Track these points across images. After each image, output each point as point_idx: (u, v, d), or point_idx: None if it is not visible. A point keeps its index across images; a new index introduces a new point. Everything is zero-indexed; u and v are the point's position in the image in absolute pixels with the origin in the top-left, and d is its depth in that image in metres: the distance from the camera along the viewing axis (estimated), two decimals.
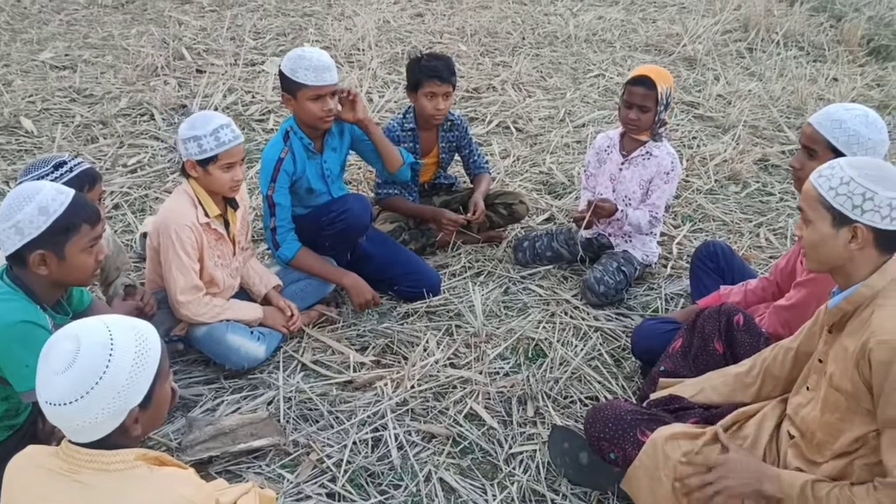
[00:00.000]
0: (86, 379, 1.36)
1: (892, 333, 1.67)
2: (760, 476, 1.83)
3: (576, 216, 3.28)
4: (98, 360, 1.37)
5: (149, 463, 1.44)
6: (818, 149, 2.29)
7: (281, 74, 2.94)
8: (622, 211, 3.25)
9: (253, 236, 3.46)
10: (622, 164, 3.31)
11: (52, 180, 2.23)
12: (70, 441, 1.43)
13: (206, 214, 2.66)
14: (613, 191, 3.35)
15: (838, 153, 2.23)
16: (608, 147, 3.38)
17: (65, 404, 1.36)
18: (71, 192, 1.99)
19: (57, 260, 1.96)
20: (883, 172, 1.74)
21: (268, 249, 3.31)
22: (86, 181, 2.35)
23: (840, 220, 1.76)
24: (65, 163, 2.34)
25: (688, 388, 2.26)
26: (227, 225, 2.76)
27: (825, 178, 1.78)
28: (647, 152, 3.25)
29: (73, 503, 1.39)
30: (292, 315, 2.94)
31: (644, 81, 3.08)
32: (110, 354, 1.38)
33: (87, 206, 2.01)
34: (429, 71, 3.29)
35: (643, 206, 3.28)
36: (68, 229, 1.95)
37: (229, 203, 2.76)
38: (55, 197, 1.94)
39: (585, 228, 3.29)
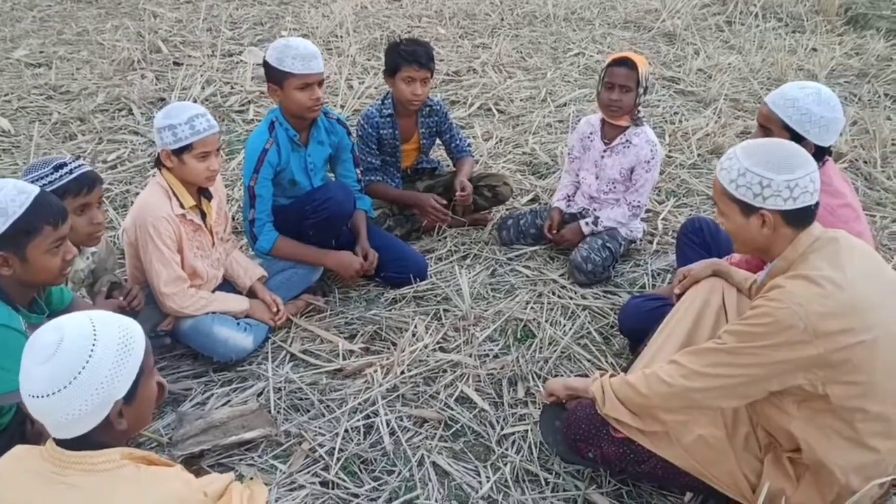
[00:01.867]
0: (67, 370, 1.34)
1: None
2: (567, 379, 2.27)
3: (548, 236, 3.43)
4: (80, 352, 1.35)
5: (136, 462, 1.43)
6: (773, 128, 2.32)
7: (266, 65, 2.90)
8: (587, 223, 3.35)
9: (236, 227, 3.44)
10: (604, 151, 3.33)
11: (49, 182, 2.19)
12: (55, 442, 1.41)
13: (182, 206, 2.63)
14: (597, 177, 3.38)
15: (792, 132, 2.27)
16: (591, 134, 3.39)
17: (45, 396, 1.34)
18: (34, 191, 1.93)
19: (19, 261, 1.92)
20: (774, 155, 1.81)
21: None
22: (85, 184, 2.29)
23: (747, 209, 1.84)
24: (65, 164, 2.28)
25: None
26: (203, 216, 2.74)
27: (726, 171, 1.87)
28: (627, 140, 3.27)
29: None
30: (278, 310, 2.92)
31: (626, 62, 3.13)
32: (93, 345, 1.36)
33: (51, 207, 1.94)
34: (407, 55, 3.28)
35: (622, 201, 3.33)
36: (29, 231, 1.89)
37: (203, 194, 2.74)
38: (14, 198, 1.88)
39: (557, 245, 3.45)
